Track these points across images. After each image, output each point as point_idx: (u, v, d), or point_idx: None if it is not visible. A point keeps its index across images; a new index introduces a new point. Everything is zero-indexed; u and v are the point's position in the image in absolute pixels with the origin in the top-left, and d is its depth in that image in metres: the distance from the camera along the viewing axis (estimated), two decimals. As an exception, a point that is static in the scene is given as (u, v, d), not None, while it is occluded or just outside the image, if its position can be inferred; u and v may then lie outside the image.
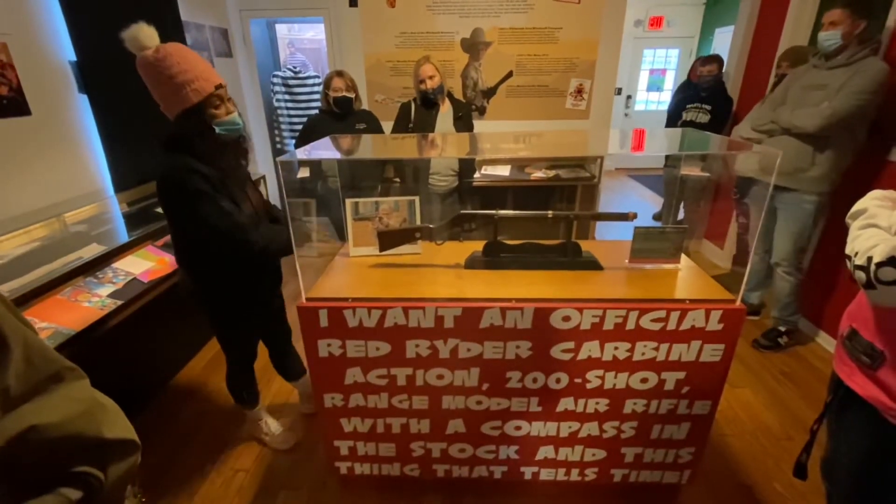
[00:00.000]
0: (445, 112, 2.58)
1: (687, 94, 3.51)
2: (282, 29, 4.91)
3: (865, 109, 1.99)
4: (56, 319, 1.56)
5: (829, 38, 2.04)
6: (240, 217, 1.37)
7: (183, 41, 2.72)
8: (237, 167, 1.45)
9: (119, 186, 2.41)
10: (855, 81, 1.97)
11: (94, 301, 1.71)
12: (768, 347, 2.51)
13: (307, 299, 1.40)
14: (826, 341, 2.52)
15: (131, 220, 2.28)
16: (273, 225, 1.52)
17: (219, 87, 1.31)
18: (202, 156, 1.32)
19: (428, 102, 2.54)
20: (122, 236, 2.09)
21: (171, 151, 1.33)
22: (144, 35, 1.22)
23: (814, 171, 2.14)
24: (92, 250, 1.89)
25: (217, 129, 1.33)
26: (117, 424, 0.59)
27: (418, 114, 2.58)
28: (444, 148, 2.19)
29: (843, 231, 1.04)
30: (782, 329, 2.52)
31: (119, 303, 1.74)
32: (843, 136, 2.07)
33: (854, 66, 2.01)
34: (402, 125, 2.63)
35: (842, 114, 1.98)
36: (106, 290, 1.78)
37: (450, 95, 2.63)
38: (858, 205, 1.03)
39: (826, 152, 2.11)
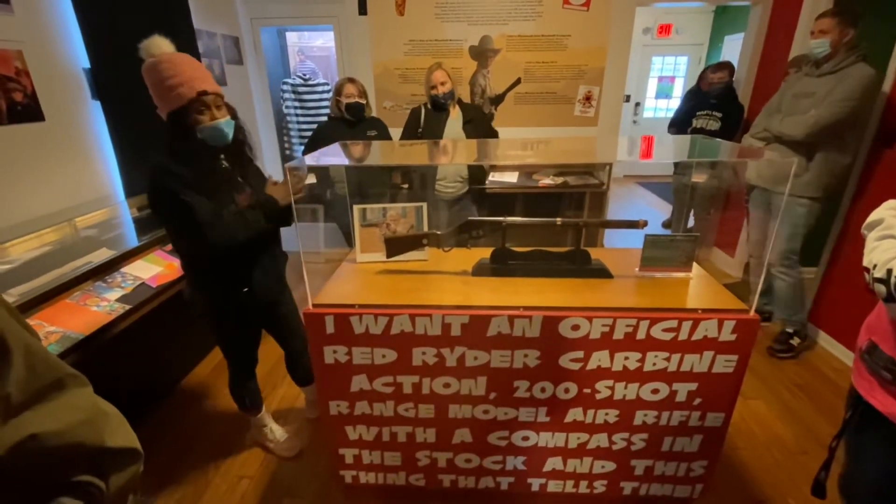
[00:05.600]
0: (455, 118, 2.58)
1: (697, 101, 3.48)
2: (292, 37, 4.96)
3: (850, 115, 2.02)
4: (64, 324, 1.57)
5: (819, 45, 2.09)
6: (204, 216, 1.34)
7: (195, 49, 2.75)
8: (221, 170, 1.44)
9: (130, 191, 2.43)
10: (839, 89, 2.02)
11: (102, 305, 1.72)
12: (783, 352, 2.47)
13: (314, 305, 1.39)
14: (840, 351, 2.46)
15: (141, 225, 2.29)
16: (246, 212, 1.43)
17: (202, 93, 1.32)
18: (181, 157, 1.35)
19: (438, 106, 2.56)
20: (132, 241, 2.10)
21: (160, 153, 1.37)
22: (154, 44, 1.32)
23: (806, 176, 2.20)
24: (102, 255, 1.90)
25: (199, 135, 1.36)
26: (119, 433, 0.58)
27: (428, 118, 2.60)
28: (451, 154, 2.19)
29: (856, 238, 1.02)
30: (790, 330, 2.49)
31: (127, 307, 1.74)
32: (832, 142, 2.12)
33: (840, 73, 2.06)
34: (412, 129, 2.65)
35: (825, 122, 2.04)
36: (114, 295, 1.79)
37: (459, 101, 2.64)
38: (874, 215, 1.01)
39: (816, 158, 2.17)
